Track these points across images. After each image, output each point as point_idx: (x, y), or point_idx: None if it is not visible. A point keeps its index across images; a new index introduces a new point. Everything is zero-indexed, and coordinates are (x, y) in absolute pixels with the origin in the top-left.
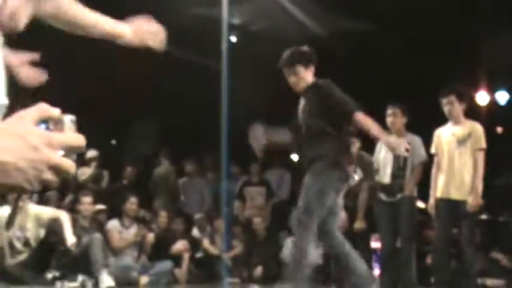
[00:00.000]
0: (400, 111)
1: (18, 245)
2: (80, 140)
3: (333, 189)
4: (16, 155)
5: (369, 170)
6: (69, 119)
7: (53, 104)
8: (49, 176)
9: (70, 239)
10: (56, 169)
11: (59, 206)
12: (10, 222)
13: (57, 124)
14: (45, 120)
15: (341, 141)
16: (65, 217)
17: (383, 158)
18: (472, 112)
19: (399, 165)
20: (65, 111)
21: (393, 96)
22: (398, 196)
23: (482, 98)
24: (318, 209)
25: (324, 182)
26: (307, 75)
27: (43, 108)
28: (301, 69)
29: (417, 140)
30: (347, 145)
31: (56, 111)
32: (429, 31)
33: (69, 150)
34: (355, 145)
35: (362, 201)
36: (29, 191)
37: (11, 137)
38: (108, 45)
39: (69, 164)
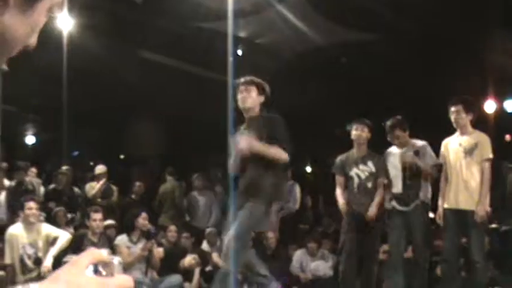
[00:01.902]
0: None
1: (29, 262)
2: (130, 282)
3: None
4: None
5: (384, 167)
6: (117, 261)
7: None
8: None
9: (47, 260)
10: None
11: (68, 223)
12: None
13: (107, 267)
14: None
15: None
16: (62, 238)
17: (392, 168)
18: (480, 120)
19: (411, 174)
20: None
21: (397, 105)
22: (412, 205)
23: (490, 106)
24: None
25: None
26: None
27: (95, 254)
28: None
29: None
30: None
31: (105, 255)
32: (437, 40)
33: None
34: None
35: (379, 196)
36: None
37: (71, 287)
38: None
39: None
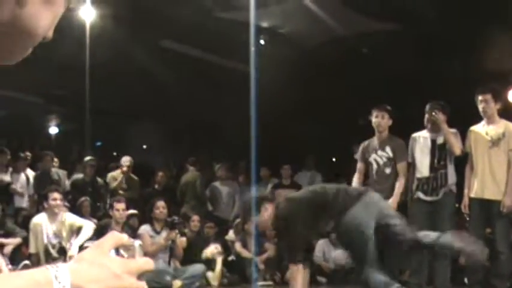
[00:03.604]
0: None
1: (54, 252)
2: (150, 264)
3: None
4: (102, 284)
5: (402, 150)
6: (138, 244)
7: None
8: None
9: (73, 249)
10: None
11: (92, 213)
12: None
13: (129, 250)
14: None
15: None
16: (87, 227)
17: (419, 150)
18: (504, 110)
19: (440, 156)
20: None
21: (420, 94)
22: (440, 194)
23: None
24: None
25: None
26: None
27: (117, 237)
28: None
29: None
30: None
31: (126, 238)
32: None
33: (142, 274)
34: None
35: (399, 184)
36: None
37: (96, 267)
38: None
39: (143, 287)
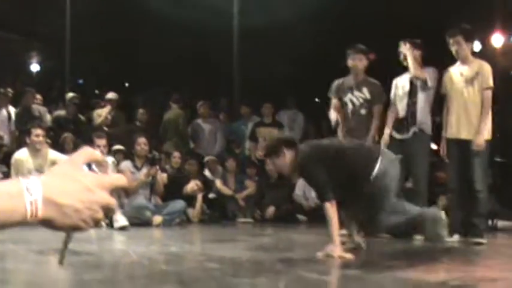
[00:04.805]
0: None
1: None
2: (123, 180)
3: None
4: (74, 197)
5: (380, 93)
6: (111, 160)
7: None
8: (101, 214)
9: None
10: (106, 208)
11: (74, 149)
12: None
13: (101, 166)
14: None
15: None
16: None
17: (399, 92)
18: (487, 54)
19: (411, 95)
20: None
21: (406, 35)
22: (410, 132)
23: (497, 40)
24: None
25: None
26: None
27: (90, 152)
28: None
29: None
30: None
31: (99, 155)
32: None
33: (114, 190)
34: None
35: (374, 126)
36: (84, 230)
37: (68, 181)
38: None
39: (114, 202)
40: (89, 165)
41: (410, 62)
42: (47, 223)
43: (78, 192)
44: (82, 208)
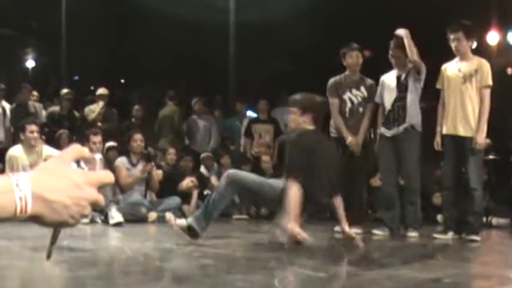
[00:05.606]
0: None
1: None
2: (110, 177)
3: None
4: (63, 193)
5: (374, 91)
6: (99, 157)
7: None
8: (88, 210)
9: None
10: (94, 204)
11: (69, 145)
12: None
13: (90, 163)
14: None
15: None
16: None
17: (387, 89)
18: (483, 52)
19: (400, 90)
20: None
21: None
22: (401, 129)
23: (493, 37)
24: None
25: None
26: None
27: (78, 149)
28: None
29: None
30: None
31: (87, 152)
32: None
33: (102, 186)
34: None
35: (365, 122)
36: (72, 225)
37: (57, 177)
38: None
39: (102, 199)
40: (77, 162)
41: (408, 47)
42: (36, 219)
43: (67, 189)
44: (71, 204)
